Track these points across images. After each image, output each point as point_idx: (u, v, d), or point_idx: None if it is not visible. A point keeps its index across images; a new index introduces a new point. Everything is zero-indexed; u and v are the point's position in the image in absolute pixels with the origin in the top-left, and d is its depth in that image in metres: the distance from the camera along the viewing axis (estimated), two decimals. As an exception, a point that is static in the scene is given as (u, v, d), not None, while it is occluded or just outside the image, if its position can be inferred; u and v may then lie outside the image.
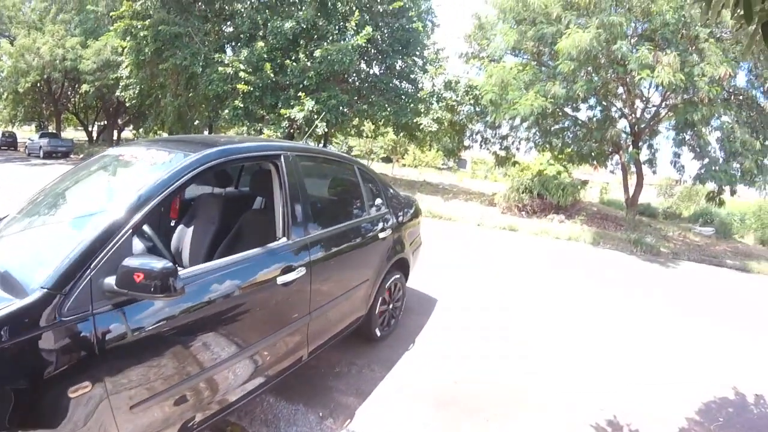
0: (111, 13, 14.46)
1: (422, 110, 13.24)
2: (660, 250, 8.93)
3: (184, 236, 2.65)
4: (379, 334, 3.30)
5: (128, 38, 12.90)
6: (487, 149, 14.80)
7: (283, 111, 11.77)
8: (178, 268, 1.47)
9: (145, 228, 1.95)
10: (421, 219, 4.11)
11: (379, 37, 13.58)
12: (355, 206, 3.00)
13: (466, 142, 15.77)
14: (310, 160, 2.70)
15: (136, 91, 14.95)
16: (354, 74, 13.60)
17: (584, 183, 12.88)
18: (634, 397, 3.01)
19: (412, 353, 3.32)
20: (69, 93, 25.35)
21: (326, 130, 12.20)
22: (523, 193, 11.18)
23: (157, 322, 1.52)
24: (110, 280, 1.37)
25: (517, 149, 14.04)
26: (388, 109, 13.37)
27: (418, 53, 14.62)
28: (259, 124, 12.00)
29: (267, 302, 2.02)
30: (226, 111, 12.00)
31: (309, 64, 11.91)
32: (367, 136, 19.03)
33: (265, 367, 2.09)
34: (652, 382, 3.24)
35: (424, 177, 21.19)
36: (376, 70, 15.07)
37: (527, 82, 9.79)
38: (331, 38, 12.23)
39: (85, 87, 19.78)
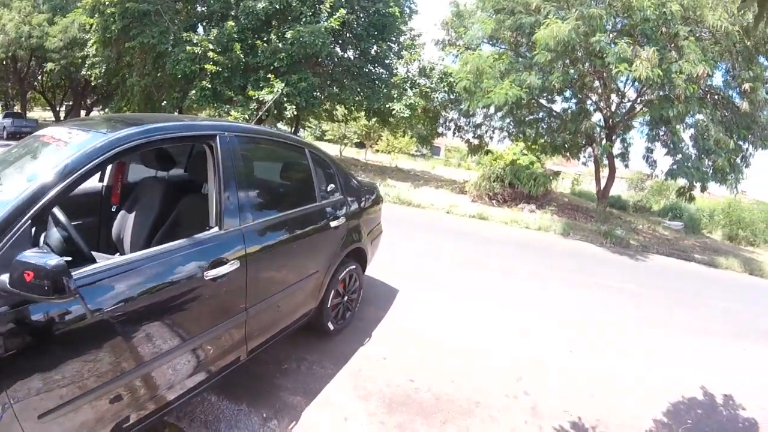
0: None
1: (395, 96, 13.09)
2: (629, 242, 9.05)
3: (125, 223, 2.48)
4: (332, 327, 3.13)
5: (96, 15, 12.13)
6: (461, 137, 14.76)
7: (251, 93, 11.37)
8: (107, 258, 1.35)
9: (60, 216, 1.79)
10: (382, 206, 3.92)
11: (354, 20, 13.22)
12: (303, 192, 2.78)
13: (440, 129, 15.68)
14: (253, 141, 2.46)
15: (102, 70, 14.25)
16: (327, 58, 13.20)
17: (556, 174, 12.97)
18: (601, 399, 2.94)
19: (368, 349, 3.16)
20: (35, 72, 24.18)
21: (296, 113, 11.81)
22: (494, 181, 11.16)
23: (63, 323, 1.38)
24: (5, 277, 1.22)
25: (491, 138, 14.06)
26: (361, 93, 13.15)
27: (394, 39, 14.33)
28: (227, 106, 11.52)
29: (194, 299, 1.83)
30: (193, 92, 11.44)
31: (281, 45, 11.53)
32: (338, 121, 18.60)
33: (198, 366, 1.92)
34: (620, 385, 3.19)
35: (397, 163, 20.94)
36: (350, 54, 14.75)
37: (503, 71, 9.71)
38: (304, 20, 11.80)
39: (50, 65, 18.81)
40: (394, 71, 14.10)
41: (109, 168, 2.83)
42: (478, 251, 6.70)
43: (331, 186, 3.01)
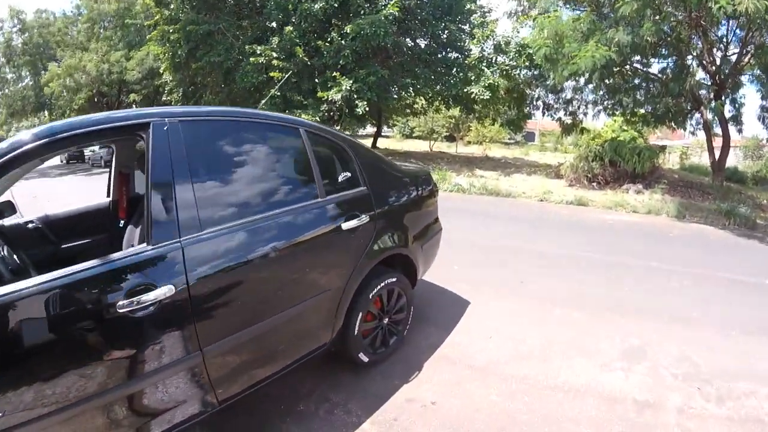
0: (146, 23, 14.90)
1: (472, 78, 12.07)
2: (756, 222, 7.08)
3: (132, 238, 2.18)
4: (366, 359, 2.39)
5: (165, 44, 13.12)
6: (551, 116, 13.19)
7: (320, 94, 11.19)
8: None
9: None
10: (436, 198, 3.06)
11: (416, 6, 12.37)
12: (295, 187, 2.08)
13: (528, 110, 14.31)
14: (212, 127, 1.81)
15: (180, 94, 15.30)
16: (394, 48, 12.55)
17: (662, 148, 11.01)
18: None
19: (412, 388, 2.35)
20: (122, 103, 27.48)
21: (367, 109, 11.34)
22: (593, 161, 9.58)
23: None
24: None
25: (585, 114, 12.41)
26: (436, 80, 12.34)
27: (463, 19, 13.19)
28: (298, 111, 11.51)
29: (112, 338, 1.41)
30: (263, 102, 11.65)
31: (343, 42, 11.22)
32: (419, 113, 17.73)
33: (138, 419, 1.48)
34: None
35: (488, 153, 19.71)
36: (420, 42, 13.96)
37: (585, 32, 8.23)
38: (363, 13, 11.29)
39: (132, 96, 21.19)
40: (468, 53, 12.94)
41: (112, 181, 2.64)
42: (576, 244, 5.39)
43: (345, 176, 2.26)
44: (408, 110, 17.80)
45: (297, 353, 2.02)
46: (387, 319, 2.50)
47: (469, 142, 24.35)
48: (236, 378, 1.74)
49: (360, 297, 2.25)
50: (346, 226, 2.12)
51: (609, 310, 3.40)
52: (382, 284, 2.38)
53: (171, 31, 12.46)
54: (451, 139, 24.91)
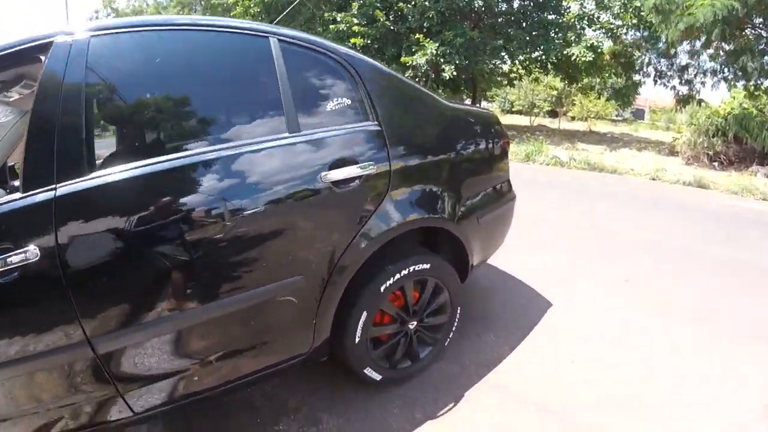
0: (230, 0, 15.24)
1: (572, 39, 10.78)
2: None
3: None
4: (377, 377, 1.64)
5: (247, 17, 13.36)
6: (663, 84, 10.99)
7: (404, 59, 10.38)
8: None
9: None
10: (506, 152, 2.08)
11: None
12: (246, 119, 1.35)
13: (637, 78, 12.13)
14: (136, 41, 1.23)
15: None
16: (485, 9, 11.10)
17: None
18: None
19: (440, 429, 1.54)
20: None
21: (455, 74, 10.20)
22: (713, 136, 7.83)
23: None
24: None
25: (702, 84, 10.78)
26: (529, 42, 10.77)
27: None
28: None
29: None
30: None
31: (427, 4, 10.17)
32: (514, 79, 15.77)
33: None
34: None
35: (593, 128, 17.36)
36: (514, 2, 12.26)
37: None
38: (449, -29, 10.08)
39: None
40: (566, 11, 11.69)
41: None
42: (696, 235, 3.86)
43: (340, 104, 1.45)
44: (504, 80, 15.98)
45: (250, 365, 1.35)
46: (415, 323, 1.68)
47: (573, 118, 21.68)
48: (154, 387, 1.20)
49: (364, 289, 1.49)
50: (330, 177, 1.33)
51: (750, 335, 2.12)
52: (406, 272, 1.56)
53: (252, 5, 12.57)
54: (553, 114, 22.45)
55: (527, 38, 11.17)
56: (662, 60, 11.38)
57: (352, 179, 1.38)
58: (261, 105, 1.36)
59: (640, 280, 2.75)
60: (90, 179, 1.05)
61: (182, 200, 1.14)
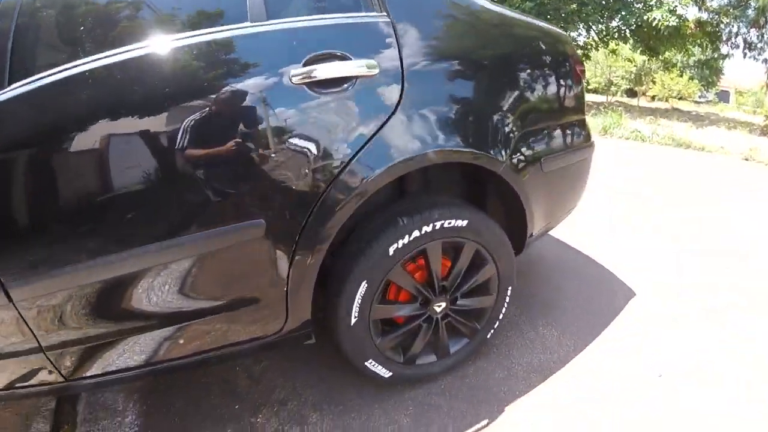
0: None
1: (653, 2, 9.67)
2: None
3: None
4: (386, 374, 1.17)
5: None
6: (753, 58, 9.56)
7: None
8: None
9: None
10: (582, 85, 1.45)
11: None
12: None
13: (724, 50, 11.53)
14: None
15: None
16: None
17: None
18: None
19: None
20: None
21: None
22: None
23: None
24: None
25: None
26: (606, 7, 9.90)
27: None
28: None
29: None
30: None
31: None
32: (590, 49, 13.93)
33: None
34: None
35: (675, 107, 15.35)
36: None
37: None
38: None
39: None
40: None
41: None
42: None
43: None
44: (579, 49, 14.20)
45: (199, 339, 0.96)
46: (444, 305, 1.17)
47: (653, 98, 19.29)
48: (82, 354, 0.92)
49: (364, 249, 1.00)
50: (304, 75, 0.85)
51: None
52: (428, 229, 1.04)
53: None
54: (631, 94, 20.33)
55: (602, 1, 9.91)
56: (752, 31, 10.27)
57: (340, 81, 0.88)
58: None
59: (739, 278, 1.95)
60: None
61: (90, 109, 0.78)
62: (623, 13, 9.81)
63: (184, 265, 0.87)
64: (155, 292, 0.88)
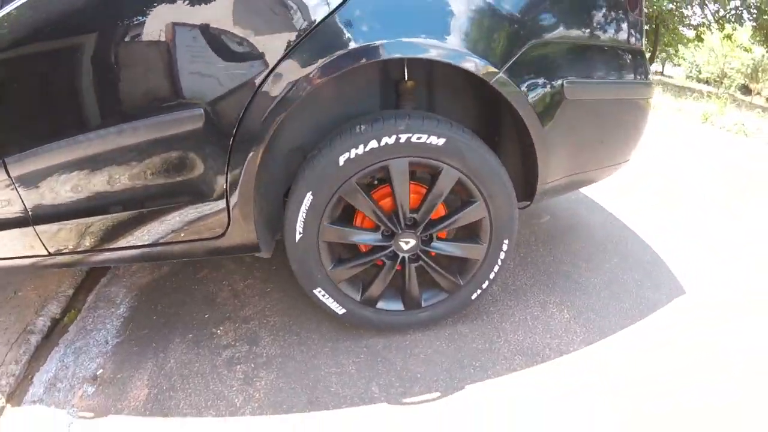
0: None
1: None
2: None
3: None
4: (337, 310, 1.04)
5: None
6: None
7: None
8: None
9: None
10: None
11: None
12: None
13: None
14: None
15: None
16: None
17: None
18: None
19: (392, 415, 0.88)
20: None
21: None
22: None
23: None
24: None
25: None
26: None
27: None
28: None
29: None
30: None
31: None
32: (701, 34, 11.36)
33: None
34: None
35: None
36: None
37: None
38: None
39: None
40: None
41: None
42: None
43: None
44: (692, 29, 11.65)
45: (148, 230, 0.96)
46: (413, 242, 0.99)
47: None
48: (68, 226, 0.98)
49: (313, 156, 0.88)
50: None
51: None
52: (391, 141, 0.86)
53: None
54: (746, 90, 16.72)
55: None
56: None
57: None
58: None
59: None
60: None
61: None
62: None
63: (131, 152, 0.85)
64: (107, 179, 0.89)
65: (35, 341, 1.23)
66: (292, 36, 0.77)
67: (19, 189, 0.93)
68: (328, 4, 0.78)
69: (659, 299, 1.28)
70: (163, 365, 1.09)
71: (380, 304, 1.07)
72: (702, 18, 10.05)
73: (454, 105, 1.09)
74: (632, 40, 1.07)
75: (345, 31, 0.78)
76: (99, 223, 0.97)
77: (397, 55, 0.80)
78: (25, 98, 0.88)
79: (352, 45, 0.78)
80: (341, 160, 0.86)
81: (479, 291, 1.09)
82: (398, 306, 1.08)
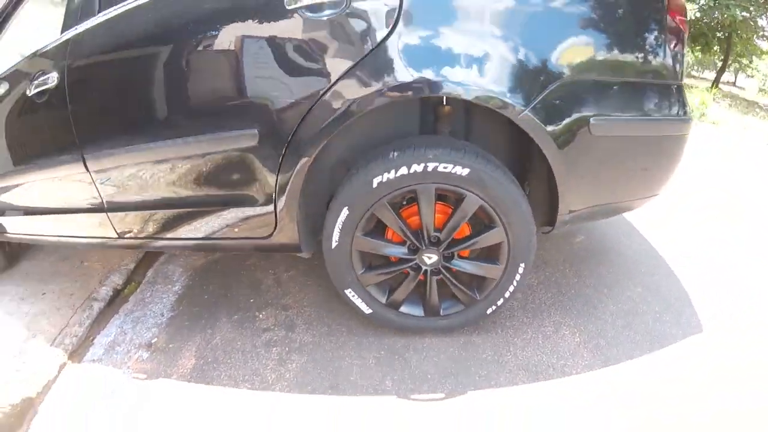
0: None
1: None
2: None
3: None
4: (365, 309, 1.18)
5: None
6: None
7: None
8: None
9: None
10: (678, 32, 1.17)
11: None
12: None
13: None
14: None
15: None
16: None
17: None
18: None
19: (399, 408, 1.00)
20: None
21: (697, 15, 7.12)
22: None
23: None
24: None
25: None
26: None
27: None
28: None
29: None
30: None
31: None
32: None
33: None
34: None
35: None
36: None
37: None
38: None
39: None
40: None
41: None
42: None
43: None
44: (766, 40, 10.44)
45: (205, 226, 1.17)
46: (435, 258, 1.10)
47: None
48: (137, 217, 1.23)
49: (347, 176, 1.03)
50: None
51: None
52: (419, 169, 0.97)
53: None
54: None
55: None
56: None
57: (332, 4, 0.87)
58: None
59: None
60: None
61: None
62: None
63: (195, 161, 1.04)
64: (172, 181, 1.08)
65: (98, 308, 1.45)
66: (346, 64, 0.90)
67: (96, 181, 1.14)
68: (378, 34, 0.90)
69: (675, 334, 1.29)
70: (210, 340, 1.27)
71: (403, 308, 1.19)
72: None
73: (489, 132, 1.17)
74: (668, 74, 1.08)
75: (400, 62, 0.90)
76: (162, 214, 1.17)
77: (429, 94, 0.91)
78: (106, 104, 1.10)
79: (412, 78, 0.90)
80: (375, 182, 0.98)
81: (494, 307, 1.18)
82: (419, 312, 1.19)
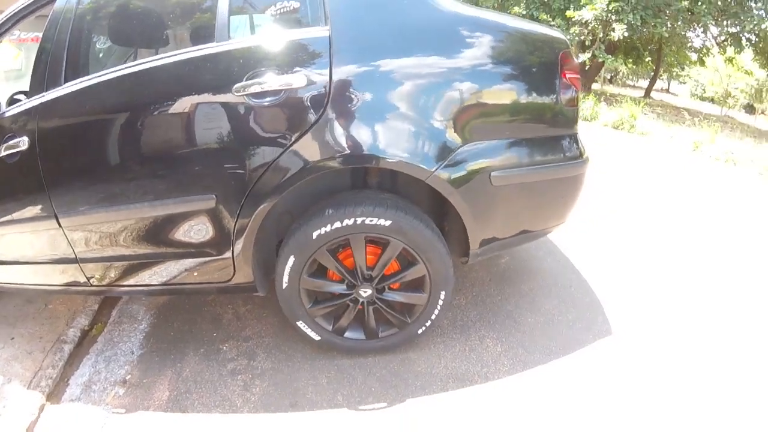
0: None
1: None
2: None
3: None
4: (314, 336, 1.40)
5: None
6: None
7: (569, 14, 8.74)
8: None
9: None
10: (571, 96, 1.35)
11: None
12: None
13: None
14: None
15: None
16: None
17: None
18: None
19: (349, 418, 1.22)
20: None
21: (625, 34, 8.11)
22: None
23: None
24: None
25: None
26: (722, 8, 8.30)
27: None
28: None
29: None
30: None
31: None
32: (703, 57, 11.57)
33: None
34: None
35: None
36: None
37: None
38: None
39: None
40: None
41: None
42: None
43: (287, 7, 1.22)
44: (694, 52, 11.94)
45: (172, 274, 1.37)
46: (369, 291, 1.34)
47: None
48: (107, 266, 1.40)
49: (292, 230, 1.25)
50: (244, 88, 1.12)
51: None
52: (350, 222, 1.21)
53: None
54: (750, 110, 16.81)
55: (719, 2, 8.24)
56: None
57: (272, 92, 1.10)
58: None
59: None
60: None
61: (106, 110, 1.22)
62: (741, 17, 8.07)
63: (162, 219, 1.23)
64: (142, 236, 1.26)
65: (68, 349, 1.53)
66: (289, 140, 1.14)
67: (68, 236, 1.31)
68: (313, 114, 1.13)
69: (585, 339, 1.56)
70: (180, 373, 1.44)
71: (347, 334, 1.41)
72: (704, 41, 10.30)
73: (412, 182, 1.42)
74: (562, 127, 1.34)
75: (331, 138, 1.14)
76: (132, 264, 1.35)
77: (356, 164, 1.16)
78: (77, 166, 1.28)
79: (342, 152, 1.15)
80: (314, 234, 1.21)
81: (424, 327, 1.42)
82: (361, 335, 1.42)
